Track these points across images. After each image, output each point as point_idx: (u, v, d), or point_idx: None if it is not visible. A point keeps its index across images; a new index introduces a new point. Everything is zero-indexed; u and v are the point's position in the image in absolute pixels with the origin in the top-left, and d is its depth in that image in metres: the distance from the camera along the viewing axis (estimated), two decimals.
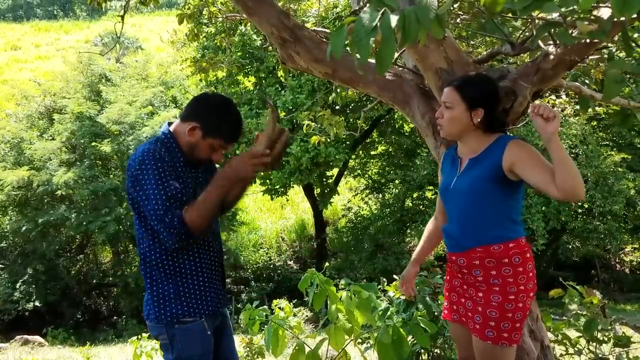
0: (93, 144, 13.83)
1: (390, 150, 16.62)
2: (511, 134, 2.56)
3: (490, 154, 2.23)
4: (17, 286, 13.78)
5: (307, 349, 3.36)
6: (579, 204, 12.66)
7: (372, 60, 3.07)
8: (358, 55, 1.34)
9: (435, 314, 3.49)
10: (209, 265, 2.29)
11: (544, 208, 12.22)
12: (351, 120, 13.04)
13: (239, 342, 4.47)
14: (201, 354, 2.24)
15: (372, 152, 16.75)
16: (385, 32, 1.29)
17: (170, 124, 2.30)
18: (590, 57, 2.77)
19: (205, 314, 2.25)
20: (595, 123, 12.97)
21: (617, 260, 17.04)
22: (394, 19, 1.30)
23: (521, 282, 2.20)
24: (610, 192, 12.12)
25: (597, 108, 4.95)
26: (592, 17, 1.75)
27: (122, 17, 4.30)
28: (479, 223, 2.24)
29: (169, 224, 2.07)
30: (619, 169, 12.37)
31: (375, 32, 1.30)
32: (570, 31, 1.97)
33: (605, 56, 2.79)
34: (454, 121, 2.26)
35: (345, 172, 16.86)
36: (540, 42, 2.22)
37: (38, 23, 42.71)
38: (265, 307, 3.70)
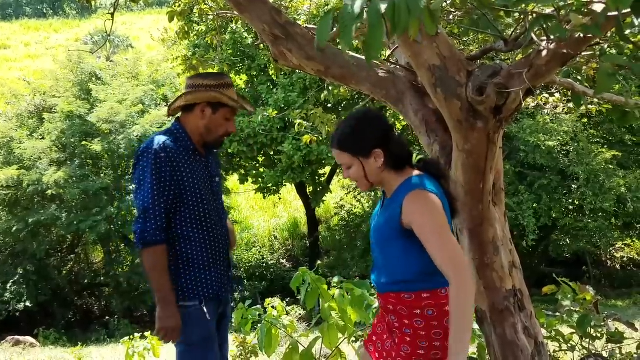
0: (83, 143, 13.71)
1: None
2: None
3: (395, 200, 2.03)
4: (8, 287, 13.62)
5: (300, 348, 3.35)
6: (570, 200, 12.70)
7: (364, 57, 3.06)
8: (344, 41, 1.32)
9: None
10: (210, 250, 2.36)
11: (535, 205, 12.25)
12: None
13: (232, 341, 4.45)
14: (201, 339, 2.28)
15: None
16: (372, 18, 1.27)
17: (178, 119, 2.51)
18: (582, 54, 2.77)
19: (205, 297, 2.31)
20: (586, 120, 13.00)
21: (607, 257, 17.13)
22: (383, 6, 1.27)
23: (435, 337, 1.97)
24: (601, 189, 12.14)
25: (589, 105, 4.97)
26: (586, 11, 1.74)
27: (112, 15, 4.25)
28: (391, 269, 2.06)
29: (145, 224, 2.25)
30: (610, 167, 12.38)
31: (361, 18, 1.28)
32: (564, 26, 1.96)
33: (598, 53, 2.78)
34: (361, 177, 2.09)
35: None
36: (533, 37, 2.21)
37: (27, 22, 42.29)
38: (258, 306, 3.68)
